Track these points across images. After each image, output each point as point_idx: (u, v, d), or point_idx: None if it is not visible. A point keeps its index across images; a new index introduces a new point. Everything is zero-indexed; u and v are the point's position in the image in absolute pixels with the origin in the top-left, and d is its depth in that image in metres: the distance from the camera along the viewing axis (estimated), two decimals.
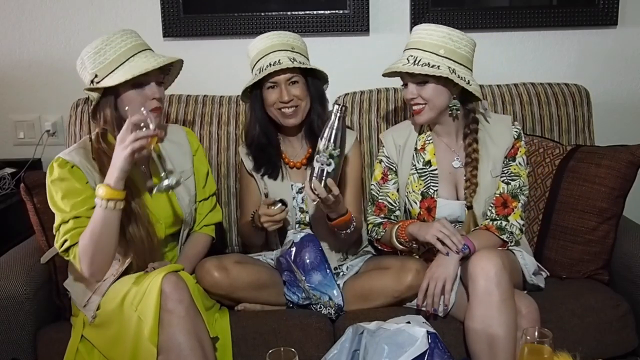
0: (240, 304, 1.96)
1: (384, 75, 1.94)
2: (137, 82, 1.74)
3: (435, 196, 1.95)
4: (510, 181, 1.92)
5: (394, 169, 2.02)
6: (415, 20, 2.53)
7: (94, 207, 1.67)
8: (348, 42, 2.56)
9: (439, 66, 1.82)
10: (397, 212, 2.03)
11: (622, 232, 2.08)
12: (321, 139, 1.75)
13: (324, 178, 1.76)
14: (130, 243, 1.77)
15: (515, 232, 1.91)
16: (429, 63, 1.83)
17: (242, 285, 1.90)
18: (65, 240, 1.70)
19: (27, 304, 1.86)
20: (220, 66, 2.60)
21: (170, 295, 1.63)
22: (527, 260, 1.91)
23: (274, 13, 2.53)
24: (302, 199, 2.06)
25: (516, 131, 1.96)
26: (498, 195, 1.92)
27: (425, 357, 1.62)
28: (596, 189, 2.02)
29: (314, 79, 2.02)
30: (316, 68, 1.98)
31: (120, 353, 1.66)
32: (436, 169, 1.97)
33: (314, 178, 1.76)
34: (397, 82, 2.41)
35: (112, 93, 1.76)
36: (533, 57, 2.61)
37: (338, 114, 1.75)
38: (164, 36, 2.55)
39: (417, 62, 1.84)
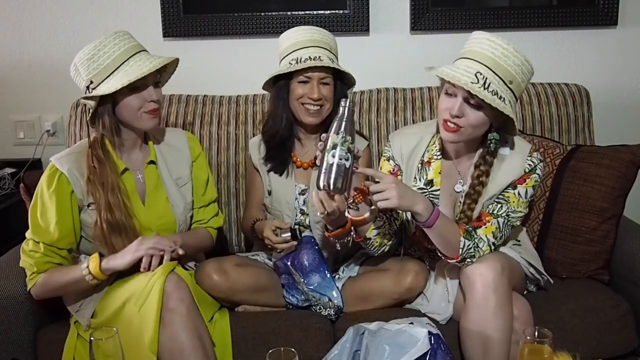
0: (241, 306, 1.95)
1: (435, 74, 1.71)
2: (134, 86, 1.74)
3: None
4: (495, 202, 1.79)
5: (402, 169, 1.91)
6: (415, 20, 2.53)
7: (63, 236, 1.75)
8: (348, 42, 2.56)
9: (504, 99, 1.63)
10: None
11: (622, 232, 2.07)
12: (336, 132, 1.58)
13: (342, 174, 1.56)
14: (114, 253, 1.77)
15: (482, 247, 1.72)
16: (497, 92, 1.62)
17: (241, 288, 1.90)
18: (31, 264, 1.75)
19: (27, 304, 1.86)
20: (220, 66, 2.60)
21: (171, 294, 1.63)
22: (526, 257, 1.89)
23: (274, 13, 2.53)
24: (304, 201, 2.05)
25: (530, 164, 1.78)
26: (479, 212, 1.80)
27: (427, 358, 1.62)
28: (596, 188, 2.02)
29: (342, 84, 2.01)
30: (350, 73, 1.97)
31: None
32: (438, 190, 1.85)
33: (324, 173, 1.57)
34: (397, 82, 2.42)
35: (109, 99, 1.75)
36: (533, 57, 2.56)
37: (348, 105, 1.60)
38: (164, 36, 2.55)
39: (486, 85, 1.62)
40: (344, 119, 1.59)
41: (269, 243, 1.88)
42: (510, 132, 1.76)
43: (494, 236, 1.76)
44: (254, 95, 2.39)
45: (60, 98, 2.55)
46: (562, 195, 2.07)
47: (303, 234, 1.98)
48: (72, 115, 2.33)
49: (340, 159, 1.57)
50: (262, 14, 2.53)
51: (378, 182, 1.62)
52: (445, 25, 2.54)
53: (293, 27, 2.03)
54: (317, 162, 1.62)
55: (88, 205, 1.79)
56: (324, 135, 1.61)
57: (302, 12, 2.53)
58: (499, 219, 1.77)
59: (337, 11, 2.54)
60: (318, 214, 1.69)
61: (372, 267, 2.00)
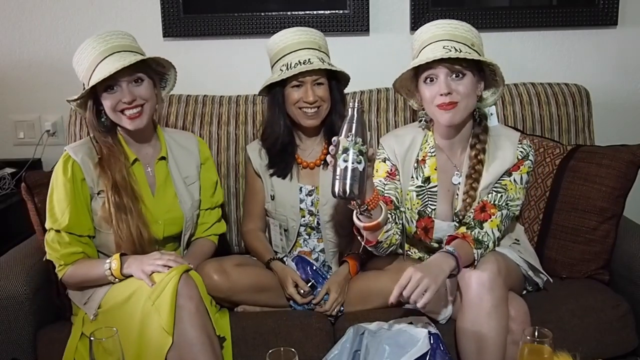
0: (240, 306, 1.95)
1: (409, 68, 1.75)
2: (108, 85, 1.78)
3: (433, 216, 1.86)
4: (494, 191, 1.82)
5: (398, 169, 1.91)
6: (415, 20, 2.53)
7: (79, 223, 1.80)
8: (348, 42, 2.56)
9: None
10: (402, 208, 1.89)
11: (622, 232, 2.07)
12: (346, 136, 1.52)
13: (357, 178, 1.50)
14: (118, 237, 1.80)
15: (489, 243, 1.77)
16: (470, 53, 1.69)
17: (242, 288, 1.90)
18: (57, 257, 1.80)
19: (27, 304, 1.86)
20: (220, 66, 2.60)
21: (180, 291, 1.65)
22: (525, 256, 1.89)
23: (274, 13, 2.53)
24: (312, 202, 2.04)
25: (522, 151, 1.83)
26: (479, 201, 1.82)
27: (427, 358, 1.62)
28: (597, 188, 2.02)
29: (336, 81, 2.00)
30: (343, 71, 1.97)
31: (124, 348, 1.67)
32: (436, 186, 1.86)
33: (338, 179, 1.51)
34: None
35: (90, 98, 1.82)
36: (533, 57, 2.61)
37: (356, 106, 1.53)
38: (164, 36, 2.55)
39: (457, 49, 1.69)
40: (354, 121, 1.53)
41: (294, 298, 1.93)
42: (498, 84, 1.80)
43: (498, 229, 1.79)
44: (254, 95, 2.38)
45: (60, 98, 2.52)
46: (562, 195, 2.07)
47: (294, 256, 2.03)
48: (72, 115, 2.33)
49: (353, 163, 1.50)
50: (262, 14, 2.53)
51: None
52: None
53: (293, 27, 2.02)
54: (330, 169, 1.56)
55: (98, 193, 1.83)
56: (334, 138, 1.55)
57: (302, 12, 2.53)
58: (502, 210, 1.79)
59: (337, 11, 2.54)
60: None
61: (372, 267, 2.00)
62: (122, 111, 1.81)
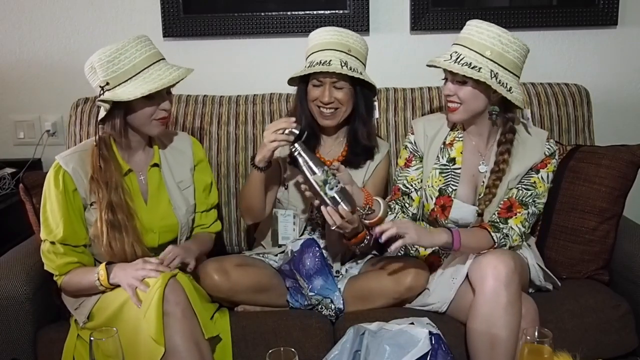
0: (240, 306, 1.96)
1: (429, 65, 1.87)
2: (150, 95, 1.75)
3: (453, 196, 1.91)
4: (523, 188, 1.88)
5: (418, 155, 1.97)
6: (415, 20, 2.53)
7: (73, 234, 1.79)
8: None
9: (480, 68, 1.74)
10: (413, 195, 1.96)
11: (622, 232, 2.08)
12: (313, 173, 1.74)
13: (346, 195, 1.75)
14: (113, 254, 1.78)
15: (512, 235, 1.84)
16: (470, 63, 1.75)
17: (242, 288, 1.90)
18: (53, 268, 1.81)
19: (27, 304, 1.86)
20: (220, 66, 2.60)
21: (167, 297, 1.63)
22: (537, 260, 1.92)
23: (274, 13, 2.53)
24: None
25: (549, 148, 1.90)
26: (506, 199, 1.87)
27: (428, 358, 1.62)
28: (596, 188, 2.02)
29: (364, 88, 1.97)
30: (365, 79, 1.92)
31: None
32: (459, 168, 1.92)
33: (342, 204, 1.74)
34: (397, 82, 2.43)
35: (123, 104, 1.76)
36: (533, 57, 2.59)
37: (297, 148, 1.78)
38: (164, 36, 2.55)
39: (459, 60, 1.77)
40: (308, 159, 1.76)
41: (274, 137, 1.83)
42: (511, 102, 1.80)
43: (522, 225, 1.86)
44: (254, 95, 2.39)
45: (60, 98, 2.56)
46: (562, 195, 2.07)
47: (306, 237, 1.99)
48: (72, 115, 2.33)
49: (336, 187, 1.74)
50: (262, 14, 2.53)
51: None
52: (445, 25, 2.54)
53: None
54: (316, 207, 1.79)
55: (91, 204, 1.81)
56: (299, 179, 1.76)
57: (302, 12, 2.53)
58: (529, 208, 1.87)
59: (337, 11, 2.54)
60: (333, 228, 1.78)
61: (373, 267, 2.00)
62: (154, 118, 1.81)
